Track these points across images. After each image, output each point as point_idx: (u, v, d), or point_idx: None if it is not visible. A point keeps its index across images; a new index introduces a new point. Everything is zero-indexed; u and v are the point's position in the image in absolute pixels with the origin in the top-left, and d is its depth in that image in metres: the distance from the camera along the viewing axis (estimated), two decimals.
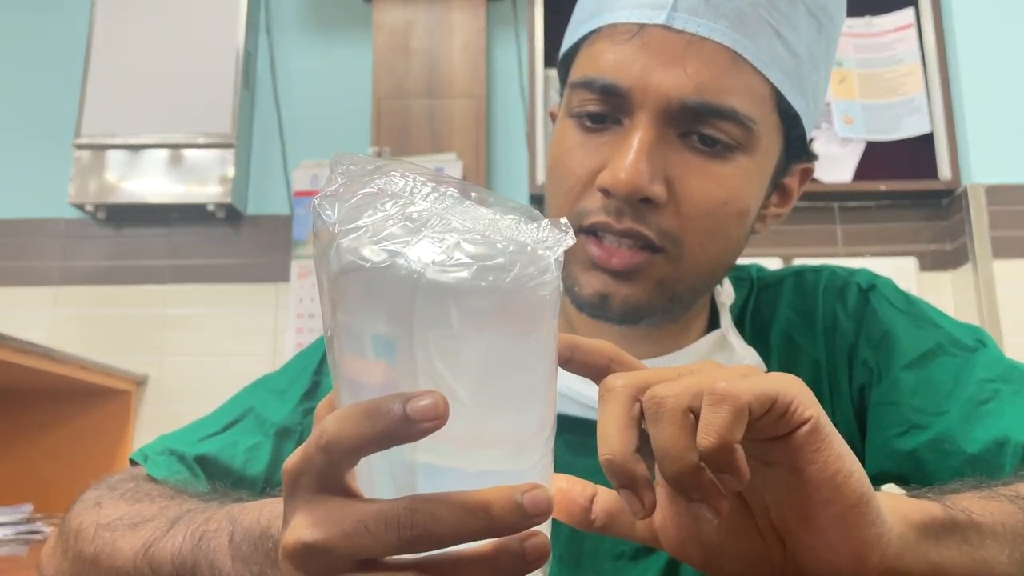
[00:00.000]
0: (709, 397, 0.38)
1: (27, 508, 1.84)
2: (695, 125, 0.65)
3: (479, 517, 0.34)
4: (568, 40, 0.75)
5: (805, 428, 0.39)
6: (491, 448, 0.37)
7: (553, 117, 0.80)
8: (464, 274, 0.35)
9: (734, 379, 0.38)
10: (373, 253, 0.35)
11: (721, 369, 0.42)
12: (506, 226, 0.37)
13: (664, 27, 0.65)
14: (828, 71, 0.75)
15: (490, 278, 0.35)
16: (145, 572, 0.56)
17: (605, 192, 0.66)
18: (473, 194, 0.38)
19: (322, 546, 0.35)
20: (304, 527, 0.36)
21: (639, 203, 0.65)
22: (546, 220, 0.38)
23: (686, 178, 0.66)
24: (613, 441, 0.40)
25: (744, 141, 0.66)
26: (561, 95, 0.77)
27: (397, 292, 0.35)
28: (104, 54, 2.64)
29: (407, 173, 0.38)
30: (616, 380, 0.41)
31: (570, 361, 0.45)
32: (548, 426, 0.39)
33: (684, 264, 0.67)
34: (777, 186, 0.75)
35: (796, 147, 0.73)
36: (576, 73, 0.70)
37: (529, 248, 0.36)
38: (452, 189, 0.38)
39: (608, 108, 0.67)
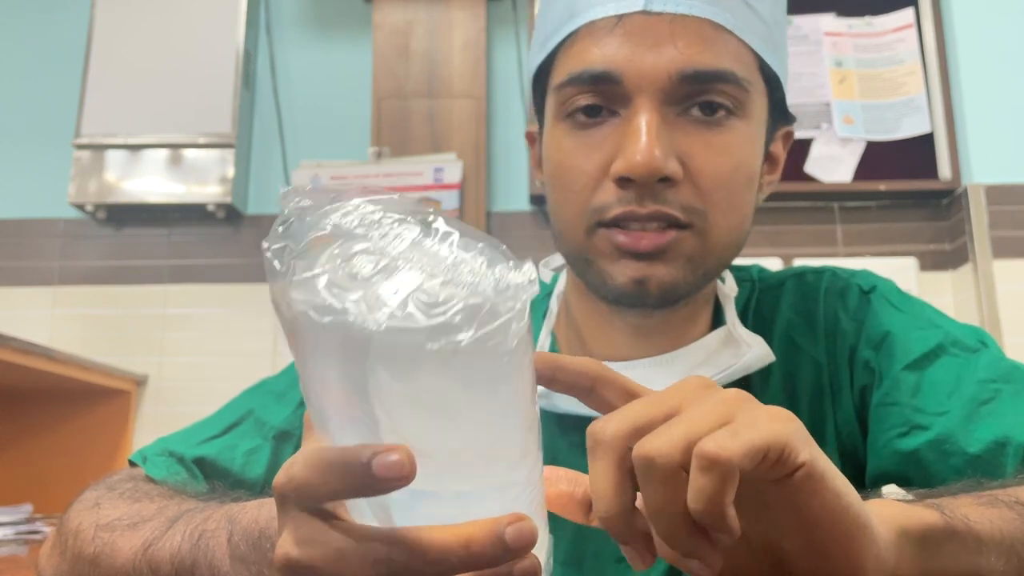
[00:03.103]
0: (698, 460, 0.36)
1: (27, 508, 1.84)
2: (695, 96, 0.66)
3: (459, 555, 0.34)
4: (539, 56, 0.74)
5: (800, 473, 0.38)
6: (468, 485, 0.36)
7: (530, 138, 0.80)
8: (417, 337, 0.33)
9: (723, 436, 0.37)
10: (324, 309, 0.33)
11: (710, 403, 0.40)
12: (468, 271, 0.35)
13: (644, 12, 0.66)
14: (786, 38, 0.76)
15: (444, 338, 0.33)
16: (144, 572, 0.57)
17: (623, 181, 0.66)
18: (434, 225, 0.36)
19: (307, 564, 0.36)
20: (291, 544, 0.37)
21: (657, 184, 0.65)
22: (512, 261, 0.37)
23: (696, 152, 0.66)
24: (609, 501, 0.39)
25: (742, 103, 0.68)
26: (539, 112, 0.76)
27: (350, 350, 0.33)
28: (104, 54, 2.64)
29: (362, 207, 0.36)
30: (604, 430, 0.40)
31: (553, 381, 0.45)
32: (528, 460, 0.38)
33: (711, 237, 0.68)
34: (766, 154, 0.75)
35: (778, 110, 0.74)
36: (561, 75, 0.70)
37: (491, 302, 0.34)
38: (410, 231, 0.36)
39: (602, 99, 0.67)
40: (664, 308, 0.70)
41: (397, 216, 0.36)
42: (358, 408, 0.34)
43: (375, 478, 0.33)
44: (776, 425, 0.38)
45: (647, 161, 0.63)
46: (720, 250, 0.69)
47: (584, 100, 0.68)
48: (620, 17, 0.67)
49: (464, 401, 0.35)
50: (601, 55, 0.67)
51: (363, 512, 0.37)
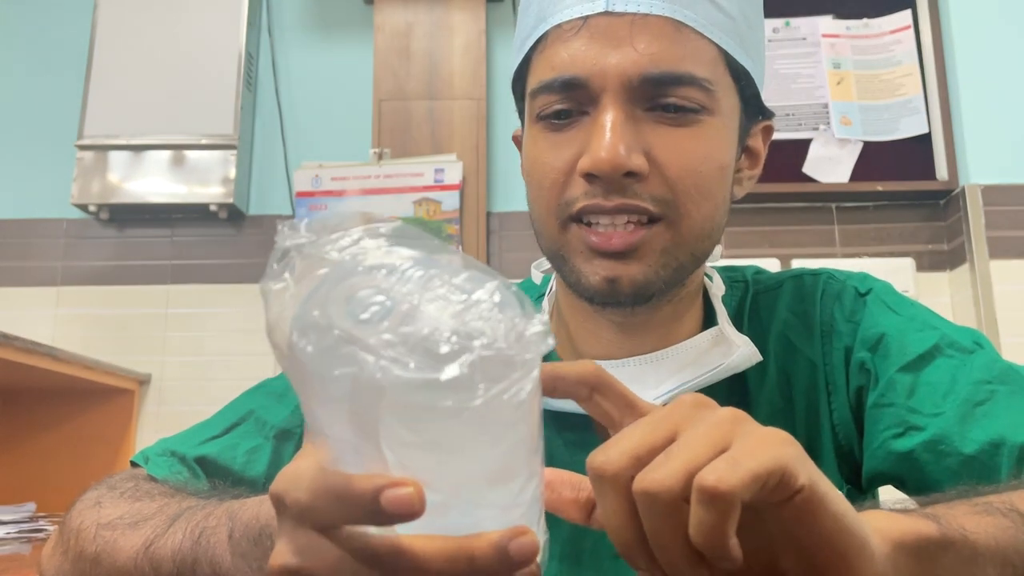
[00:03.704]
0: (699, 494, 0.36)
1: (30, 507, 1.85)
2: (658, 98, 0.67)
3: (463, 567, 0.35)
4: (516, 59, 0.77)
5: (799, 497, 0.38)
6: (472, 508, 0.36)
7: (517, 141, 0.81)
8: (434, 394, 0.32)
9: (723, 467, 0.37)
10: (332, 356, 0.32)
11: (706, 426, 0.40)
12: (479, 317, 0.34)
13: (606, 13, 0.67)
14: (762, 33, 0.77)
15: (457, 398, 0.32)
16: (146, 570, 0.57)
17: (589, 176, 0.67)
18: (442, 260, 0.35)
19: (306, 574, 0.36)
20: (288, 554, 0.37)
21: (623, 178, 0.66)
22: (526, 306, 0.35)
23: (662, 145, 0.67)
24: (624, 534, 0.40)
25: (706, 104, 0.68)
26: (520, 114, 0.78)
27: (359, 402, 0.32)
28: (107, 55, 2.64)
29: (363, 241, 0.35)
30: (606, 467, 0.40)
31: (553, 391, 0.45)
32: (534, 480, 0.38)
33: (683, 227, 0.68)
34: (744, 148, 0.76)
35: (752, 106, 0.75)
36: (534, 81, 0.72)
37: (503, 355, 0.33)
38: (416, 268, 0.34)
39: (572, 103, 0.69)
40: (639, 306, 0.71)
41: (401, 250, 0.35)
42: (364, 446, 0.34)
43: (382, 512, 0.33)
44: (775, 451, 0.38)
45: (611, 157, 0.65)
46: (693, 241, 0.70)
47: (557, 106, 0.69)
48: (585, 19, 0.68)
49: (475, 445, 0.34)
50: (568, 59, 0.68)
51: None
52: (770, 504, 0.39)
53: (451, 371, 0.32)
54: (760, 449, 0.38)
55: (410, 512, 0.33)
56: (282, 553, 0.37)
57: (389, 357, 0.32)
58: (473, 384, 0.32)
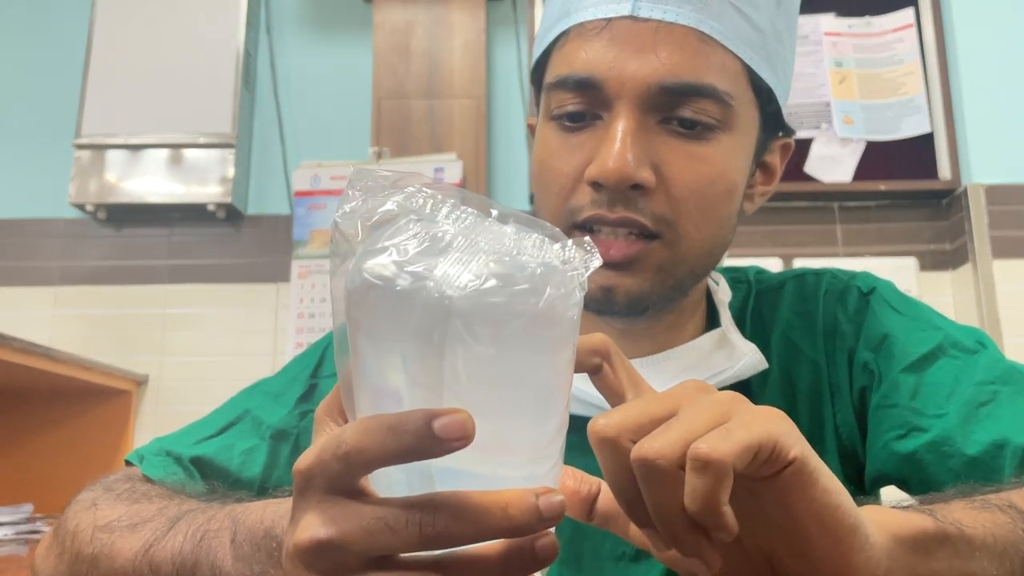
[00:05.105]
0: (692, 462, 0.37)
1: (27, 508, 1.85)
2: (675, 109, 0.66)
3: (497, 517, 0.35)
4: (537, 49, 0.76)
5: (790, 469, 0.39)
6: (509, 456, 0.38)
7: (532, 129, 0.80)
8: (497, 299, 0.35)
9: (716, 437, 0.38)
10: (401, 276, 0.35)
11: (704, 403, 0.41)
12: (531, 246, 0.37)
13: (631, 18, 0.66)
14: (792, 46, 0.76)
15: (522, 301, 0.35)
16: (145, 572, 0.57)
17: (595, 185, 0.66)
18: (494, 211, 0.39)
19: (338, 543, 0.36)
20: (318, 525, 0.36)
21: (629, 190, 0.65)
22: (570, 240, 0.39)
23: (672, 161, 0.66)
24: (632, 493, 0.40)
25: (724, 119, 0.67)
26: (537, 104, 0.77)
27: (427, 316, 0.35)
28: (104, 54, 2.64)
29: (425, 189, 0.38)
30: (606, 428, 0.40)
31: None
32: (563, 432, 0.40)
33: (682, 247, 0.68)
34: (760, 164, 0.75)
35: (773, 122, 0.74)
36: (551, 76, 0.71)
37: (558, 270, 0.37)
38: (470, 212, 0.38)
39: (586, 105, 0.68)
40: (632, 316, 0.70)
41: (456, 199, 0.38)
42: (421, 376, 0.36)
43: (436, 439, 0.34)
44: (767, 424, 0.39)
45: (618, 168, 0.64)
46: (692, 261, 0.69)
47: (571, 107, 0.68)
48: (608, 21, 0.67)
49: (528, 366, 0.37)
50: (586, 59, 0.67)
51: (395, 491, 0.37)
52: (763, 479, 0.39)
53: (512, 283, 0.36)
54: (754, 423, 0.39)
55: (463, 435, 0.34)
56: (312, 526, 0.36)
57: (455, 272, 0.35)
58: (533, 293, 0.36)
